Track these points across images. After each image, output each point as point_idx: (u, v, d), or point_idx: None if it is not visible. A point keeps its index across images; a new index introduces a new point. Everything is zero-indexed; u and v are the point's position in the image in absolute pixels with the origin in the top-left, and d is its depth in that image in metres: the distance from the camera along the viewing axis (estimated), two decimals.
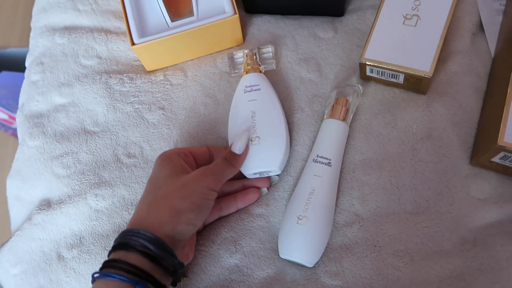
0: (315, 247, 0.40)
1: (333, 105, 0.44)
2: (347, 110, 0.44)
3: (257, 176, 0.44)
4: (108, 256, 0.34)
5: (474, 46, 0.47)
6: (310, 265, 0.40)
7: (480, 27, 0.48)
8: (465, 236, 0.40)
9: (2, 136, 1.34)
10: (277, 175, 0.44)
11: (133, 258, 0.32)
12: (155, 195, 0.36)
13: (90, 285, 0.41)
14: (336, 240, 0.42)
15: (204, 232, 0.43)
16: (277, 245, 0.41)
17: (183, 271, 0.38)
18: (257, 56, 0.48)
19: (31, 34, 0.58)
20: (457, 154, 0.43)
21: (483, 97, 0.44)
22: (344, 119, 0.44)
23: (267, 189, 0.44)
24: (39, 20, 0.57)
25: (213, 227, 0.43)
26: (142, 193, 0.45)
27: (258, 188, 0.44)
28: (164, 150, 0.47)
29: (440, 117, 0.44)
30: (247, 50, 0.48)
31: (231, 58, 0.49)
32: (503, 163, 0.38)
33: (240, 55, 0.49)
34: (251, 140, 0.43)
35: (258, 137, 0.43)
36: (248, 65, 0.47)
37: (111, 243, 0.43)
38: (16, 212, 0.49)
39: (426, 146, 0.43)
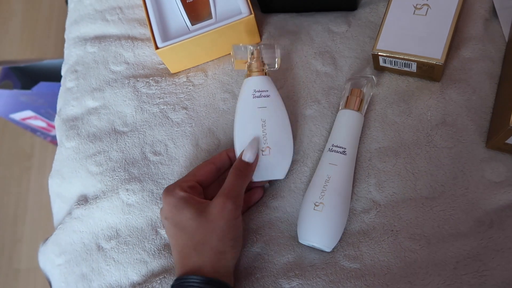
0: (332, 232, 0.41)
1: (348, 96, 0.46)
2: (361, 101, 0.45)
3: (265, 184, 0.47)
4: None
5: (487, 31, 0.47)
6: (328, 249, 0.42)
7: (493, 12, 0.48)
8: (481, 218, 0.41)
9: (41, 143, 1.43)
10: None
11: None
12: (194, 242, 0.38)
13: (129, 272, 0.45)
14: (354, 226, 0.43)
15: None
16: (296, 233, 0.44)
17: None
18: (262, 55, 0.47)
19: (65, 45, 0.62)
20: (472, 138, 0.43)
21: (497, 81, 0.45)
22: (358, 109, 0.45)
23: (267, 184, 0.47)
24: (71, 32, 0.62)
25: None
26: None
27: (261, 186, 0.46)
28: (186, 147, 0.50)
29: (454, 103, 0.45)
30: (252, 47, 0.46)
31: (237, 54, 0.47)
32: None
33: (243, 52, 0.47)
34: (262, 150, 0.44)
35: (269, 147, 0.44)
36: (252, 65, 0.46)
37: (146, 235, 0.47)
38: (58, 208, 0.53)
39: (440, 132, 0.44)
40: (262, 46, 0.47)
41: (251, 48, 0.47)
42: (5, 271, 1.29)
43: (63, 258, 0.48)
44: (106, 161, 0.51)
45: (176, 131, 0.52)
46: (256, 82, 0.46)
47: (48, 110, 1.16)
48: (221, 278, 0.37)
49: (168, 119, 0.52)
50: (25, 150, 1.42)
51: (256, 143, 0.43)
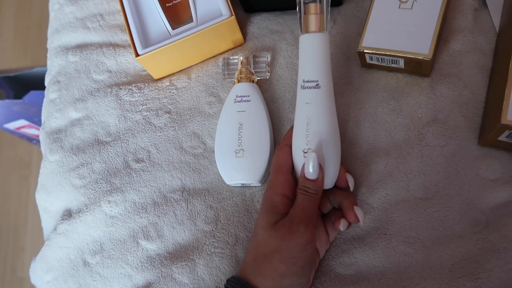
0: (327, 171, 0.38)
1: (304, 17, 0.39)
2: (322, 17, 0.39)
3: (239, 185, 0.45)
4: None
5: (477, 22, 0.45)
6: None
7: (483, 1, 0.46)
8: (477, 218, 0.39)
9: (38, 151, 1.42)
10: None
11: None
12: (257, 251, 0.36)
13: (115, 287, 0.44)
14: (349, 231, 0.42)
15: (219, 234, 0.45)
16: None
17: None
18: (251, 64, 0.49)
19: (48, 55, 0.61)
20: (465, 135, 0.42)
21: (489, 74, 0.43)
22: (320, 29, 0.39)
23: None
24: (53, 41, 0.61)
25: (226, 228, 0.45)
26: (150, 196, 0.47)
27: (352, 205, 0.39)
28: (169, 151, 0.49)
29: (445, 99, 0.43)
30: (242, 57, 0.49)
31: (226, 63, 0.50)
32: (511, 141, 0.37)
33: (235, 60, 0.50)
34: (236, 152, 0.44)
35: (242, 149, 0.44)
36: (241, 73, 0.48)
37: (128, 248, 0.46)
38: (46, 223, 0.52)
39: (432, 130, 0.42)
40: (252, 55, 0.49)
41: (241, 58, 0.49)
42: (9, 280, 1.29)
43: (51, 275, 0.47)
44: (89, 173, 0.50)
45: (159, 136, 0.50)
46: (240, 88, 0.47)
47: (41, 118, 1.15)
48: None
49: (151, 125, 0.51)
50: (23, 159, 1.41)
51: (312, 155, 0.37)
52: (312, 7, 0.39)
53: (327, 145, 0.38)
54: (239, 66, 0.49)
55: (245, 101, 0.46)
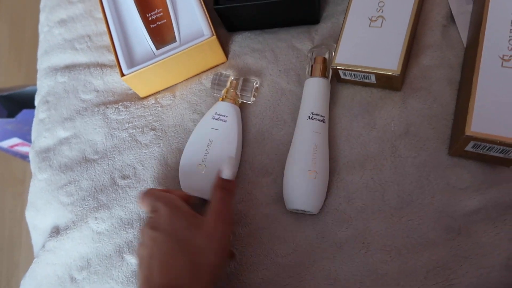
0: (323, 196, 0.44)
1: (312, 65, 0.48)
2: (326, 67, 0.48)
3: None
4: None
5: (446, 38, 0.47)
6: (316, 212, 0.44)
7: (451, 18, 0.48)
8: (449, 225, 0.41)
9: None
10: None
11: None
12: (190, 253, 0.36)
13: None
14: (328, 240, 0.44)
15: None
16: (270, 249, 0.44)
17: None
18: (239, 86, 0.51)
19: (38, 75, 0.63)
20: (435, 146, 0.43)
21: (457, 88, 0.45)
22: (324, 76, 0.47)
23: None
24: (42, 62, 0.62)
25: None
26: (136, 212, 0.48)
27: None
28: (154, 167, 0.50)
29: (416, 112, 0.45)
30: (233, 77, 0.51)
31: (218, 78, 0.51)
32: (477, 151, 0.39)
33: (225, 77, 0.51)
34: (198, 165, 0.46)
35: (205, 165, 0.46)
36: (227, 92, 0.50)
37: (113, 263, 0.47)
38: (35, 240, 0.53)
39: (404, 142, 0.44)
40: (242, 79, 0.51)
41: (231, 78, 0.51)
42: None
43: None
44: (76, 190, 0.52)
45: (145, 152, 0.52)
46: (221, 106, 0.50)
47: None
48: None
49: (136, 142, 0.53)
50: (17, 176, 1.42)
51: (231, 160, 0.43)
52: (320, 59, 0.48)
53: (327, 166, 0.45)
54: (227, 85, 0.51)
55: (222, 120, 0.48)
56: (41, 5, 0.68)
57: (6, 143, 1.16)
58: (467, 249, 0.39)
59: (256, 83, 0.51)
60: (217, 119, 0.48)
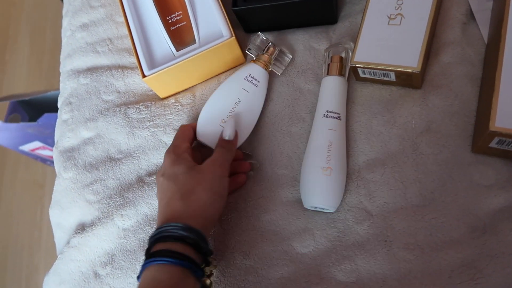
0: (339, 193, 0.44)
1: (329, 64, 0.48)
2: (342, 66, 0.48)
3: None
4: (149, 249, 0.39)
5: (466, 35, 0.47)
6: (334, 209, 0.44)
7: (471, 15, 0.48)
8: (474, 224, 0.40)
9: (52, 172, 1.46)
10: (256, 162, 0.49)
11: (176, 246, 0.37)
12: (182, 191, 0.41)
13: None
14: (349, 238, 0.43)
15: (218, 238, 0.46)
16: (290, 246, 0.44)
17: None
18: (275, 55, 0.51)
19: (60, 78, 0.65)
20: (457, 143, 0.43)
21: (479, 84, 0.45)
22: (341, 74, 0.47)
23: (252, 172, 0.49)
24: (65, 65, 0.64)
25: (226, 231, 0.46)
26: None
27: (245, 172, 0.49)
28: None
29: (437, 109, 0.45)
30: (271, 44, 0.51)
31: (259, 39, 0.52)
32: (502, 148, 0.38)
33: (263, 41, 0.52)
34: (223, 120, 0.48)
35: (226, 121, 0.47)
36: (263, 57, 0.51)
37: (138, 258, 0.48)
38: (59, 238, 0.54)
39: (425, 140, 0.44)
40: (280, 48, 0.52)
41: (270, 45, 0.51)
42: None
43: (63, 287, 0.49)
44: (103, 189, 0.53)
45: None
46: (255, 69, 0.50)
47: (54, 138, 1.19)
48: (199, 228, 0.39)
49: (160, 142, 0.54)
50: (38, 180, 1.45)
51: (232, 121, 0.46)
52: (336, 58, 0.48)
53: (343, 164, 0.45)
54: (264, 50, 0.51)
55: (254, 84, 0.49)
56: (64, 11, 0.70)
57: (27, 147, 1.19)
58: (493, 248, 0.39)
59: (290, 59, 0.52)
60: (249, 81, 0.49)
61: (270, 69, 0.51)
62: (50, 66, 1.60)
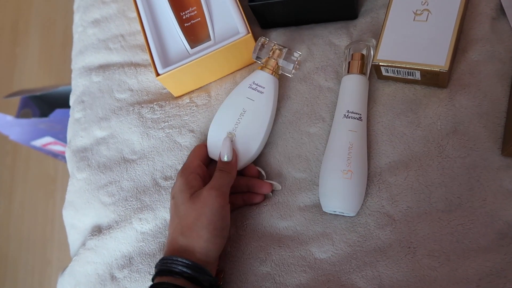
0: (360, 197, 0.42)
1: (350, 62, 0.46)
2: (364, 64, 0.46)
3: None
4: (153, 280, 0.40)
5: (495, 31, 0.45)
6: (354, 214, 0.43)
7: (501, 10, 0.46)
8: (503, 231, 0.38)
9: (64, 167, 1.47)
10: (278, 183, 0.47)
11: (176, 280, 0.38)
12: (182, 225, 0.41)
13: None
14: (370, 243, 0.42)
15: (235, 244, 0.45)
16: (308, 252, 0.43)
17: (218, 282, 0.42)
18: (282, 57, 0.48)
19: (72, 75, 0.64)
20: (486, 146, 0.41)
21: (509, 83, 0.42)
22: (362, 73, 0.45)
23: (271, 193, 0.47)
24: (77, 62, 0.63)
25: (243, 237, 0.45)
26: None
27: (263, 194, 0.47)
28: None
29: (464, 110, 0.43)
30: (277, 46, 0.48)
31: (261, 44, 0.49)
32: None
33: (269, 45, 0.49)
34: (228, 133, 0.46)
35: (235, 134, 0.46)
36: (268, 62, 0.48)
37: (156, 261, 0.47)
38: (73, 239, 0.54)
39: (452, 142, 0.42)
40: (287, 48, 0.48)
41: (275, 47, 0.48)
42: None
43: None
44: (118, 191, 0.52)
45: (186, 155, 0.51)
46: (259, 76, 0.48)
47: (66, 135, 1.19)
48: (203, 264, 0.39)
49: (176, 143, 0.52)
50: (50, 174, 1.46)
51: (227, 142, 0.45)
52: (358, 55, 0.46)
53: (364, 166, 0.43)
54: (270, 55, 0.48)
55: (258, 91, 0.47)
56: (75, 6, 0.68)
57: (39, 142, 1.19)
58: None
59: (299, 56, 0.49)
60: (253, 89, 0.47)
61: (280, 72, 0.49)
62: (60, 60, 1.60)
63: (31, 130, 1.11)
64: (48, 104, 1.20)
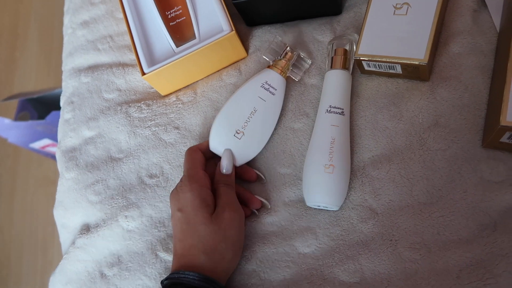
0: (342, 191, 0.42)
1: (333, 57, 0.46)
2: (346, 59, 0.46)
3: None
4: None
5: (477, 23, 0.45)
6: (337, 208, 0.43)
7: (482, 2, 0.45)
8: (483, 222, 0.39)
9: None
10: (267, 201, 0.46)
11: None
12: (205, 245, 0.40)
13: None
14: (353, 237, 0.42)
15: None
16: (293, 247, 0.43)
17: None
18: (293, 60, 0.49)
19: (62, 77, 0.64)
20: (467, 138, 0.41)
21: (491, 76, 0.42)
22: (345, 68, 0.46)
23: (257, 211, 0.46)
24: (67, 64, 0.64)
25: None
26: (166, 211, 0.48)
27: (251, 208, 0.46)
28: (182, 167, 0.50)
29: (445, 102, 0.43)
30: (289, 49, 0.49)
31: (275, 43, 0.49)
32: None
33: (280, 45, 0.49)
34: (237, 132, 0.46)
35: (243, 133, 0.46)
36: (281, 63, 0.48)
37: (146, 260, 0.47)
38: (64, 238, 0.54)
39: (433, 135, 0.42)
40: (298, 53, 0.49)
41: (288, 49, 0.49)
42: None
43: (69, 287, 0.49)
44: (104, 189, 0.52)
45: (171, 152, 0.52)
46: (273, 76, 0.48)
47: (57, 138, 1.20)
48: (221, 280, 0.40)
49: (161, 141, 0.53)
50: (50, 176, 1.47)
51: (228, 153, 0.45)
52: (340, 50, 0.46)
53: (346, 161, 0.43)
54: (282, 55, 0.49)
55: (271, 92, 0.47)
56: (65, 8, 0.69)
57: (37, 144, 1.20)
58: (503, 246, 0.37)
59: (310, 64, 0.50)
60: (266, 89, 0.47)
61: (287, 75, 0.49)
62: (58, 63, 1.60)
63: (29, 132, 1.13)
64: (45, 106, 1.21)
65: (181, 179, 0.44)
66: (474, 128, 0.41)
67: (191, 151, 0.46)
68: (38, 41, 1.67)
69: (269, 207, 0.46)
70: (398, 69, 0.43)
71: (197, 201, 0.41)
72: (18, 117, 1.14)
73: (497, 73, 0.40)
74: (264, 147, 0.48)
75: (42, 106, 1.21)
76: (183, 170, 0.45)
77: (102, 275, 0.48)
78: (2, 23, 1.74)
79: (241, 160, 0.47)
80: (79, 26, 0.65)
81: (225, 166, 0.45)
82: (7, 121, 1.07)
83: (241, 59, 0.55)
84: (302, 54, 0.50)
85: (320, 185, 0.42)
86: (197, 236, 0.40)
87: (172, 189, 0.49)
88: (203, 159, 0.45)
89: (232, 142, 0.46)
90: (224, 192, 0.43)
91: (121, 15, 0.63)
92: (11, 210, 1.47)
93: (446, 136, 0.42)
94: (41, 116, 1.18)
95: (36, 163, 1.50)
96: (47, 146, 1.23)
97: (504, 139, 0.36)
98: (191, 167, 0.44)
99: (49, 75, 1.61)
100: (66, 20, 0.67)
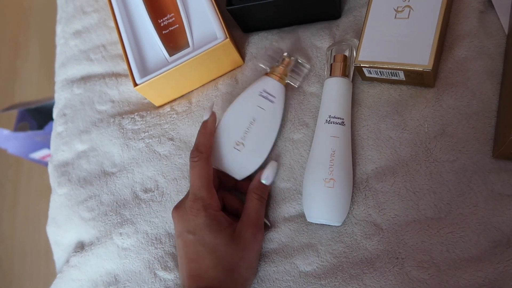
0: (344, 206, 0.40)
1: (332, 64, 0.44)
2: (346, 66, 0.44)
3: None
4: None
5: (484, 25, 0.42)
6: (339, 224, 0.41)
7: (489, 3, 0.43)
8: (496, 238, 0.36)
9: None
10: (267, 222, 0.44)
11: None
12: (224, 265, 0.38)
13: None
14: (357, 254, 0.40)
15: None
16: (295, 265, 0.41)
17: None
18: (291, 66, 0.47)
19: (55, 88, 0.63)
20: (476, 148, 0.39)
21: (500, 81, 0.40)
22: (345, 75, 0.43)
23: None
24: (60, 75, 0.62)
25: None
26: (162, 227, 0.46)
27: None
28: (177, 180, 0.48)
29: (452, 110, 0.40)
30: (286, 54, 0.47)
31: (272, 49, 0.48)
32: None
33: (276, 51, 0.48)
34: (236, 144, 0.44)
35: (243, 144, 0.44)
36: (278, 70, 0.46)
37: (144, 279, 0.45)
38: (58, 256, 0.53)
39: (440, 145, 0.40)
40: (296, 58, 0.47)
41: (285, 55, 0.47)
42: None
43: None
44: (97, 205, 0.50)
45: (165, 164, 0.50)
46: (270, 84, 0.46)
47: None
48: None
49: (155, 153, 0.51)
50: (50, 186, 1.46)
51: (275, 165, 0.44)
52: (339, 57, 0.44)
53: (348, 174, 0.41)
54: (279, 62, 0.47)
55: (269, 100, 0.45)
56: (58, 17, 0.68)
57: (37, 155, 1.19)
58: None
59: (309, 69, 0.47)
60: (264, 97, 0.45)
61: (286, 81, 0.47)
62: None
63: (28, 143, 1.12)
64: (44, 116, 1.20)
65: (190, 197, 0.40)
66: (484, 137, 0.39)
67: (202, 163, 0.41)
68: (39, 50, 1.67)
69: (269, 226, 0.44)
70: (401, 76, 0.41)
71: (214, 226, 0.39)
72: (17, 127, 1.13)
73: (507, 78, 0.38)
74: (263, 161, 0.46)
75: (41, 116, 1.20)
76: (190, 183, 0.41)
77: None
78: (3, 32, 1.74)
79: (242, 173, 0.44)
80: (72, 36, 0.63)
81: (267, 176, 0.43)
82: (6, 132, 1.06)
83: (238, 67, 0.53)
84: (300, 59, 0.47)
85: (320, 201, 0.40)
86: (215, 257, 0.38)
87: (170, 203, 0.48)
88: (211, 171, 0.41)
89: (233, 155, 0.44)
90: (254, 208, 0.41)
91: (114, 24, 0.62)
92: (14, 220, 1.46)
93: (454, 146, 0.39)
94: (41, 126, 1.17)
95: (38, 173, 1.49)
96: (47, 156, 1.22)
97: None
98: (203, 186, 0.40)
99: (50, 83, 1.59)
100: (59, 29, 0.66)
